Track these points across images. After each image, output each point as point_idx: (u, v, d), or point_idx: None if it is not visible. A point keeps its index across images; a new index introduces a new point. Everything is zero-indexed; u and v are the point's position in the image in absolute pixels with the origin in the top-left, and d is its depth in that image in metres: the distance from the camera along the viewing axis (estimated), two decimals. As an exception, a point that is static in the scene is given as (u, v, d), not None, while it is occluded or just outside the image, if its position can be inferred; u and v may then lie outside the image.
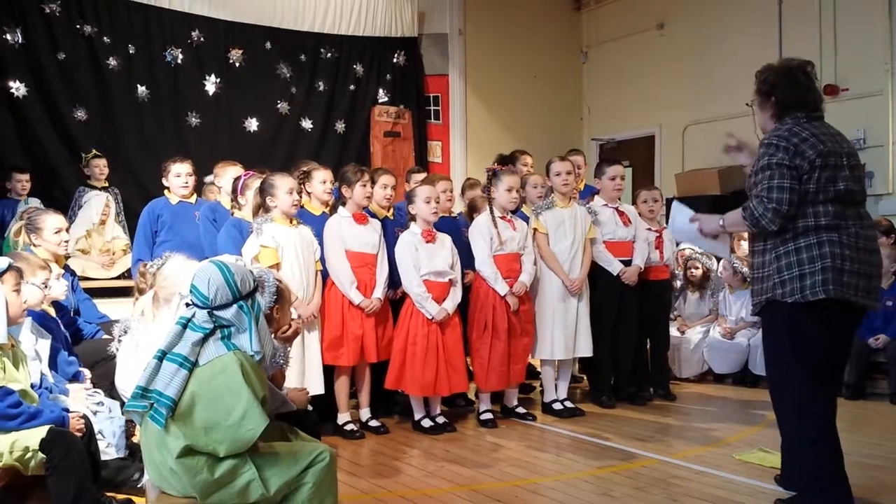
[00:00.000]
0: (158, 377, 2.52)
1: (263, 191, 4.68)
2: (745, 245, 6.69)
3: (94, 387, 3.95)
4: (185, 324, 2.58)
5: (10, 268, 3.28)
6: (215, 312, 2.58)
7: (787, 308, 3.23)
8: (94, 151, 6.96)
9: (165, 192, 5.72)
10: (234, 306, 2.60)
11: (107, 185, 6.90)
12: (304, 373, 4.61)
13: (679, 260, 6.81)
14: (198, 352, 2.54)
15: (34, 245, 4.42)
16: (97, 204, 6.64)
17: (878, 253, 3.32)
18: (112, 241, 6.71)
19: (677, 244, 6.47)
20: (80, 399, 3.71)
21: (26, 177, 6.66)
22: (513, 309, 5.11)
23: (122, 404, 3.69)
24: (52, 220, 4.48)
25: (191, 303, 2.62)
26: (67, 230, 4.64)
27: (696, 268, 6.83)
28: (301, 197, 4.88)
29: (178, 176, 5.63)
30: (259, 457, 2.57)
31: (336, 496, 2.71)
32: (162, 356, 2.54)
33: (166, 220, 5.53)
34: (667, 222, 6.16)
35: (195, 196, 5.74)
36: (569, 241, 5.42)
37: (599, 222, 5.62)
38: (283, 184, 4.66)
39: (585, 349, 5.48)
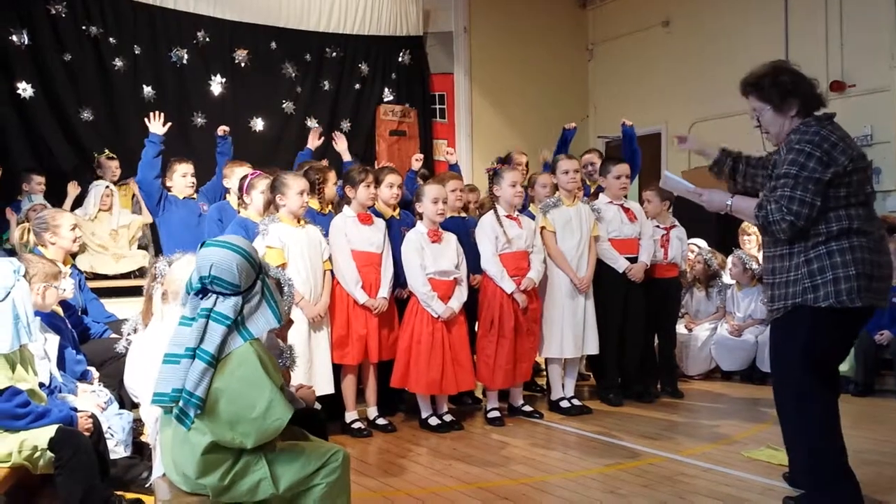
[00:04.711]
0: (189, 376, 2.45)
1: (274, 188, 4.69)
2: (746, 240, 6.72)
3: (103, 386, 3.97)
4: (208, 315, 2.50)
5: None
6: (246, 295, 2.54)
7: (816, 313, 3.18)
8: (106, 152, 6.97)
9: (167, 191, 5.76)
10: (258, 282, 2.57)
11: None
12: (313, 372, 4.62)
13: (688, 257, 6.79)
14: (220, 347, 2.48)
15: (45, 245, 4.43)
16: (95, 194, 6.60)
17: (891, 254, 3.33)
18: (121, 227, 6.61)
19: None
20: (89, 398, 3.72)
21: (42, 178, 6.63)
22: (522, 307, 5.11)
23: (132, 403, 3.71)
24: (67, 218, 4.54)
25: (214, 292, 2.54)
26: (81, 227, 4.68)
27: (699, 262, 6.81)
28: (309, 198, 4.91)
29: (185, 176, 5.70)
30: (272, 454, 2.56)
31: (349, 497, 2.69)
32: (193, 353, 2.47)
33: (175, 213, 5.62)
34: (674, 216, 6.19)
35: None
36: (576, 239, 5.42)
37: (603, 219, 5.61)
38: (294, 184, 4.67)
39: (592, 347, 5.49)
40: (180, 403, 2.46)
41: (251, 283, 2.56)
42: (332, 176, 5.19)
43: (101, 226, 6.53)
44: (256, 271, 2.58)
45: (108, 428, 3.61)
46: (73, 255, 5.23)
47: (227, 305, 2.51)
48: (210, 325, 2.49)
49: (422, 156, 6.67)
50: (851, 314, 3.15)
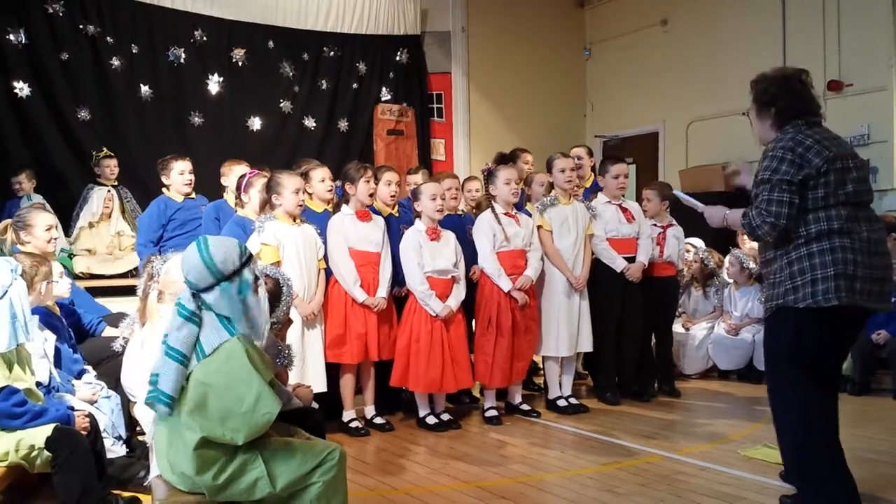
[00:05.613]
0: (162, 370, 2.50)
1: (270, 188, 4.70)
2: (747, 239, 6.70)
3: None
4: (179, 304, 2.57)
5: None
6: (201, 295, 2.54)
7: (798, 313, 3.20)
8: (105, 151, 6.97)
9: (164, 190, 5.75)
10: (217, 289, 2.52)
11: (116, 184, 6.92)
12: (306, 370, 4.62)
13: (685, 257, 6.79)
14: (189, 342, 2.50)
15: (22, 243, 4.41)
16: (98, 198, 6.62)
17: (889, 255, 3.31)
18: (117, 235, 6.68)
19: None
20: (84, 389, 3.73)
21: (23, 175, 6.63)
22: (520, 304, 5.11)
23: (128, 402, 3.71)
24: (42, 218, 4.48)
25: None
26: (57, 228, 4.64)
27: (696, 262, 6.82)
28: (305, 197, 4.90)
29: (182, 173, 5.69)
30: (269, 453, 2.56)
31: (346, 495, 2.69)
32: (167, 347, 2.53)
33: (177, 217, 5.60)
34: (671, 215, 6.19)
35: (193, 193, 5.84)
36: (572, 238, 5.42)
37: (598, 217, 5.61)
38: (289, 183, 4.67)
39: (587, 344, 5.50)
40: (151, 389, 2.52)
41: (206, 286, 2.53)
42: (315, 174, 5.14)
43: (99, 234, 6.56)
44: (216, 276, 2.53)
45: (104, 429, 3.61)
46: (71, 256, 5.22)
47: (184, 297, 2.57)
48: (173, 313, 2.57)
49: None
50: (832, 314, 3.15)
